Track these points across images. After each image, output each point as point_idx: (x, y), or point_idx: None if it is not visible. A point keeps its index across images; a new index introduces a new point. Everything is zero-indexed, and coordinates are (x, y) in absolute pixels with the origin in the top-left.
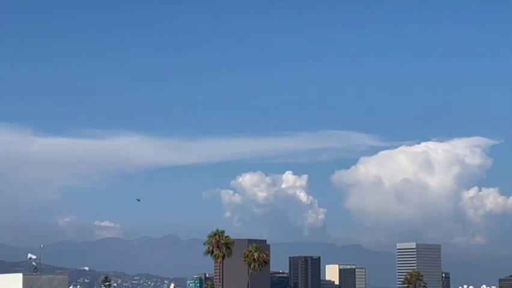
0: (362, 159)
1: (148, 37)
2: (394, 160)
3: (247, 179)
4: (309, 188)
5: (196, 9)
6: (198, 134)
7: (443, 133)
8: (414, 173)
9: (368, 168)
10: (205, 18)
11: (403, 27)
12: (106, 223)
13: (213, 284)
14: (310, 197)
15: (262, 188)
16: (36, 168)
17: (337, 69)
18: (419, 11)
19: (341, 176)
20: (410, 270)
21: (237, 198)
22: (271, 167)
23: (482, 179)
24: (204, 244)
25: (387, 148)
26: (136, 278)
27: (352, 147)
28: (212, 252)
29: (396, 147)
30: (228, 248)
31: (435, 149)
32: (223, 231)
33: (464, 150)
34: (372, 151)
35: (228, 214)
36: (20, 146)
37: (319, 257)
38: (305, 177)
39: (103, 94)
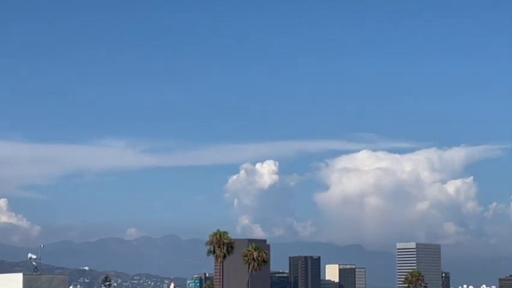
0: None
1: (148, 37)
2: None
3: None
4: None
5: (196, 9)
6: (198, 134)
7: (443, 136)
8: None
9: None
10: (205, 18)
11: (403, 27)
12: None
13: (212, 284)
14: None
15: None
16: (33, 169)
17: (337, 69)
18: (419, 11)
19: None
20: (410, 270)
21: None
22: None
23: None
24: (206, 244)
25: (384, 148)
26: (136, 278)
27: (350, 147)
28: (214, 252)
29: (394, 147)
30: (231, 247)
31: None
32: (225, 232)
33: (459, 155)
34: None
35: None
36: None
37: (319, 257)
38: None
39: (103, 95)
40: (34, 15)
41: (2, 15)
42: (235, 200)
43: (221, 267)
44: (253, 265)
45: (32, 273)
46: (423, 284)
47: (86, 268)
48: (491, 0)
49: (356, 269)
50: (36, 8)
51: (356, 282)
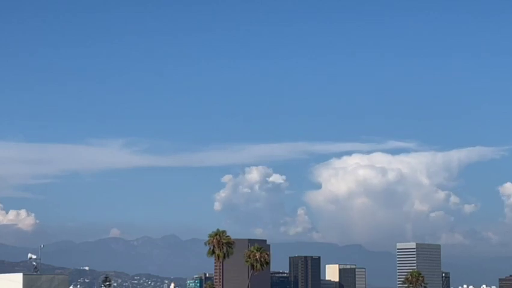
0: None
1: (147, 37)
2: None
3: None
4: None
5: (196, 9)
6: (196, 135)
7: (443, 137)
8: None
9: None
10: (204, 18)
11: (404, 28)
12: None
13: (212, 284)
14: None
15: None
16: (32, 169)
17: (336, 70)
18: (421, 10)
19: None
20: (410, 270)
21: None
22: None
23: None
24: (205, 244)
25: (380, 149)
26: (136, 278)
27: (347, 149)
28: (213, 252)
29: (391, 149)
30: (229, 247)
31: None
32: (224, 231)
33: (459, 156)
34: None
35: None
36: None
37: (319, 257)
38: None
39: (100, 95)
40: (34, 14)
41: (2, 14)
42: (234, 200)
43: (221, 267)
44: (256, 266)
45: (32, 273)
46: (423, 284)
47: (86, 268)
48: (497, 2)
49: (356, 269)
50: (36, 5)
51: (356, 282)
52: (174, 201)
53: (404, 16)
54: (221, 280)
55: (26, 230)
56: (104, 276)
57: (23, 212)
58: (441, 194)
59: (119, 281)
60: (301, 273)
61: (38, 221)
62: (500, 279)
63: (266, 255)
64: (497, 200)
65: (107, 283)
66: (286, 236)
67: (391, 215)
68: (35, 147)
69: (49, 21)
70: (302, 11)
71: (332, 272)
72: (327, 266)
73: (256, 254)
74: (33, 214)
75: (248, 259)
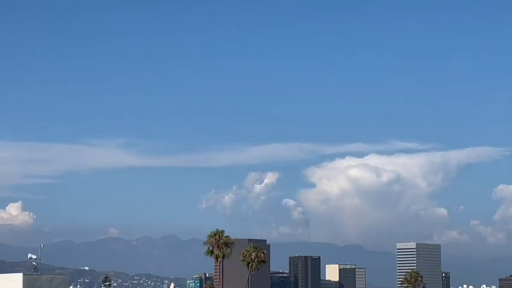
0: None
1: (146, 37)
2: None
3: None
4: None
5: (196, 8)
6: (196, 135)
7: (442, 138)
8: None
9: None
10: (205, 18)
11: (405, 27)
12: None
13: (212, 284)
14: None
15: None
16: (32, 168)
17: (338, 70)
18: (420, 10)
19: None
20: (410, 270)
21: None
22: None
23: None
24: (204, 244)
25: (377, 150)
26: (136, 278)
27: (343, 150)
28: (212, 252)
29: (387, 150)
30: (228, 247)
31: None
32: (223, 231)
33: (458, 157)
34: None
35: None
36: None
37: (319, 257)
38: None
39: (98, 94)
40: (34, 14)
41: (2, 14)
42: (233, 200)
43: (221, 267)
44: (252, 265)
45: (32, 273)
46: (422, 284)
47: (86, 268)
48: (497, 2)
49: (356, 269)
50: (36, 5)
51: (356, 282)
52: (174, 201)
53: (404, 16)
54: (221, 280)
55: (25, 230)
56: (104, 276)
57: (22, 212)
58: (439, 194)
59: (119, 281)
60: (301, 273)
61: (37, 221)
62: (500, 279)
63: (262, 254)
64: (493, 200)
65: (107, 283)
66: (287, 236)
67: (389, 215)
68: (35, 147)
69: (49, 21)
70: (302, 11)
71: (332, 272)
72: (327, 266)
73: (252, 254)
74: (33, 214)
75: (244, 258)
